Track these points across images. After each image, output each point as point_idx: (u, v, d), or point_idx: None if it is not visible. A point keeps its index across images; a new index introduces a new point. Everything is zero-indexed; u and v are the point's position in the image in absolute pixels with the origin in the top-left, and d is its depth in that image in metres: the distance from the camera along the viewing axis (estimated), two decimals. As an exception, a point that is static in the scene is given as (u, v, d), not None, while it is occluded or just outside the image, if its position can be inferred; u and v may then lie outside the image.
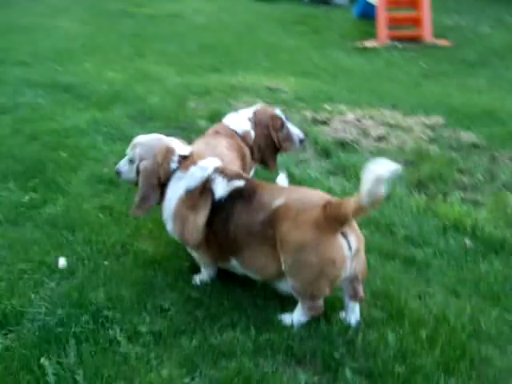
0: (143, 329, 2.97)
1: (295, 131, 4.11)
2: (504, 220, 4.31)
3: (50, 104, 6.70)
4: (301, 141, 4.10)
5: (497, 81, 8.42)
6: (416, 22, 10.82)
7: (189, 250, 3.41)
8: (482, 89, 7.90)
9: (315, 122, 6.36)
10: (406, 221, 4.20)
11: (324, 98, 7.18)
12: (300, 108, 6.73)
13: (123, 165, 3.50)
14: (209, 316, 3.09)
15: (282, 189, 3.43)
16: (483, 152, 5.63)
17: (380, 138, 5.93)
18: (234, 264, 3.19)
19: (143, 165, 3.32)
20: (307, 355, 2.84)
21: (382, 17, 10.46)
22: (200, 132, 5.93)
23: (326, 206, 2.84)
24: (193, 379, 2.69)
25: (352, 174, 5.06)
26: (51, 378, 2.65)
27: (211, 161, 3.32)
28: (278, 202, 2.96)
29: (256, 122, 4.03)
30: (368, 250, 3.65)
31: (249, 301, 3.22)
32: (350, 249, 2.84)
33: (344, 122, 6.31)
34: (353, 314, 3.07)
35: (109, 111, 6.44)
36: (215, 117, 6.28)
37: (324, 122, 6.35)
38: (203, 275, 3.41)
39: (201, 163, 3.28)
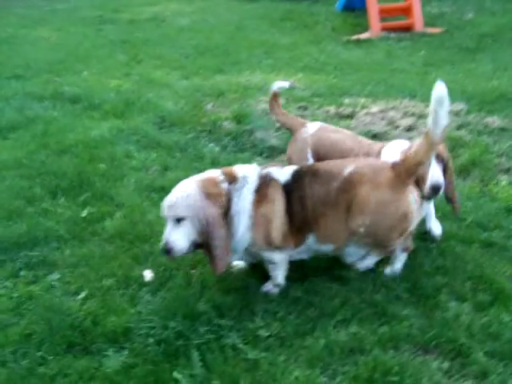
0: (263, 333, 2.96)
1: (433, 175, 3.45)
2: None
3: (63, 116, 6.61)
4: (434, 188, 3.41)
5: (498, 64, 8.55)
6: (406, 12, 10.93)
7: (267, 255, 3.31)
8: (488, 73, 8.01)
9: (340, 116, 6.40)
10: (468, 206, 4.25)
11: (340, 92, 7.20)
12: (321, 104, 6.74)
13: (174, 235, 3.10)
14: (321, 315, 3.10)
15: (345, 160, 3.49)
16: (512, 135, 5.73)
17: (409, 128, 5.98)
18: (310, 242, 3.28)
19: (205, 216, 3.07)
20: (432, 343, 2.88)
21: (373, 8, 10.54)
22: (228, 134, 5.95)
23: (395, 165, 3.17)
24: (330, 378, 2.69)
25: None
26: (188, 391, 2.62)
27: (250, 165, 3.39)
28: (349, 169, 3.20)
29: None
30: (446, 239, 3.73)
31: (352, 295, 3.24)
32: (416, 202, 3.19)
33: (369, 114, 6.35)
34: (400, 263, 3.43)
35: (130, 119, 6.37)
36: (240, 117, 6.30)
37: (349, 116, 6.38)
38: (278, 279, 3.35)
39: (244, 167, 3.35)
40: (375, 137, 5.74)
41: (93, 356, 2.90)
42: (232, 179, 3.24)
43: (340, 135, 4.10)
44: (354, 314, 3.09)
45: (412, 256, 3.56)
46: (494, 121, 6.07)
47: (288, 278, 3.39)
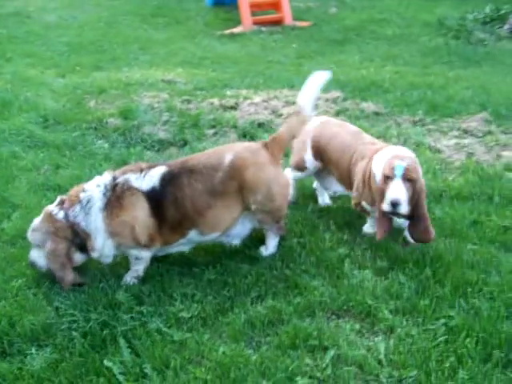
0: (185, 315, 3.07)
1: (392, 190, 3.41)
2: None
3: None
4: (392, 204, 3.37)
5: (365, 55, 9.15)
6: (275, 6, 11.32)
7: (135, 252, 3.39)
8: (356, 64, 8.56)
9: (225, 108, 6.56)
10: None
11: (221, 85, 7.38)
12: (204, 96, 6.88)
13: (34, 254, 3.40)
14: (237, 293, 3.26)
15: (220, 149, 3.62)
16: (387, 118, 6.21)
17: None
18: (192, 236, 3.42)
19: (47, 249, 3.29)
20: (343, 307, 3.15)
21: (244, 3, 10.81)
22: (115, 130, 5.93)
23: (267, 144, 3.50)
24: (255, 349, 2.86)
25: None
26: (120, 377, 2.68)
27: (100, 178, 3.39)
28: (229, 157, 3.39)
29: None
30: (344, 213, 4.02)
31: (264, 272, 3.43)
32: None
33: (253, 104, 6.57)
34: (274, 242, 3.66)
35: (10, 119, 6.15)
36: (126, 113, 6.29)
37: (233, 107, 6.57)
38: (139, 272, 3.41)
39: (87, 186, 3.37)
40: (260, 126, 5.98)
41: (13, 357, 2.86)
42: (72, 204, 3.31)
43: (342, 130, 4.06)
44: (267, 289, 3.28)
45: (314, 232, 3.82)
46: (369, 106, 6.53)
47: (201, 262, 3.52)
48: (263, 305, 3.16)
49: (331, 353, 2.80)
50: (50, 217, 3.31)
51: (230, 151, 3.45)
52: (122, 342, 2.88)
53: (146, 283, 3.36)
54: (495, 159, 5.22)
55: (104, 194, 3.26)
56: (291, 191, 3.69)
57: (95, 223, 3.26)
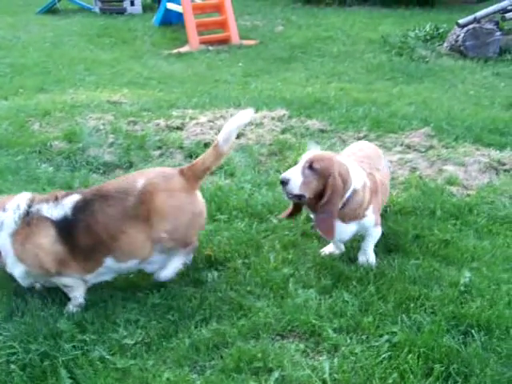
0: (128, 341, 3.03)
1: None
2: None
3: None
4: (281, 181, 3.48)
5: (310, 72, 9.27)
6: (222, 26, 11.40)
7: (56, 281, 3.37)
8: (302, 81, 8.67)
9: (171, 128, 6.54)
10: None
11: (167, 105, 7.36)
12: (150, 117, 6.84)
13: None
14: (182, 317, 3.23)
15: (133, 175, 3.58)
16: (332, 135, 6.29)
17: (238, 135, 6.28)
18: (109, 264, 3.35)
19: None
20: (288, 328, 3.15)
21: (190, 23, 10.86)
22: (59, 153, 5.83)
23: (183, 170, 3.45)
24: (199, 374, 2.83)
25: (228, 171, 5.37)
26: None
27: (19, 200, 3.36)
28: (141, 182, 3.35)
29: None
30: (289, 232, 4.05)
31: (208, 295, 3.41)
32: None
33: (198, 125, 6.57)
34: (175, 267, 3.52)
35: None
36: (70, 136, 6.20)
37: (179, 128, 6.55)
38: (78, 299, 3.39)
39: (8, 205, 3.33)
40: (206, 146, 5.97)
41: None
42: None
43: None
44: (212, 312, 3.26)
45: (259, 253, 3.82)
46: (314, 123, 6.61)
47: (145, 286, 3.48)
48: (208, 328, 3.13)
49: (276, 374, 2.79)
50: None
51: (143, 176, 3.41)
52: (62, 372, 2.82)
53: (89, 310, 3.30)
54: (437, 173, 5.35)
55: (15, 222, 3.25)
56: (203, 220, 3.56)
57: (5, 246, 3.27)
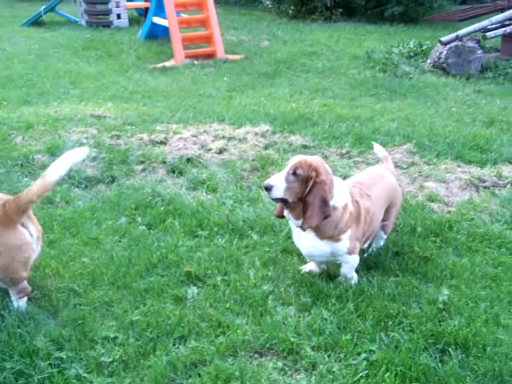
0: (105, 359, 3.00)
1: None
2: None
3: None
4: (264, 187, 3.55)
5: (295, 88, 9.32)
6: (208, 40, 11.45)
7: None
8: (286, 97, 8.71)
9: (154, 143, 6.53)
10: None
11: (151, 119, 7.36)
12: (133, 132, 6.84)
13: None
14: (160, 334, 3.21)
15: None
16: (314, 151, 6.31)
17: (221, 151, 6.31)
18: None
19: None
20: (266, 345, 3.15)
21: (176, 37, 10.89)
22: (42, 167, 5.80)
23: (5, 204, 3.28)
24: (176, 393, 2.82)
25: (210, 186, 5.37)
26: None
27: None
28: None
29: None
30: (268, 249, 4.05)
31: (186, 312, 3.39)
32: (31, 235, 3.38)
33: (182, 139, 6.57)
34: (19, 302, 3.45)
35: None
36: (53, 149, 6.17)
37: (162, 143, 6.55)
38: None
39: None
40: (189, 161, 5.99)
41: None
42: None
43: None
44: (191, 329, 3.25)
45: (239, 270, 3.82)
46: (297, 139, 6.64)
47: (124, 303, 3.46)
48: (186, 345, 3.12)
49: (253, 393, 2.79)
50: None
51: None
52: (38, 391, 2.79)
53: (67, 327, 3.27)
54: (418, 190, 5.38)
55: None
56: (27, 254, 3.36)
57: None
